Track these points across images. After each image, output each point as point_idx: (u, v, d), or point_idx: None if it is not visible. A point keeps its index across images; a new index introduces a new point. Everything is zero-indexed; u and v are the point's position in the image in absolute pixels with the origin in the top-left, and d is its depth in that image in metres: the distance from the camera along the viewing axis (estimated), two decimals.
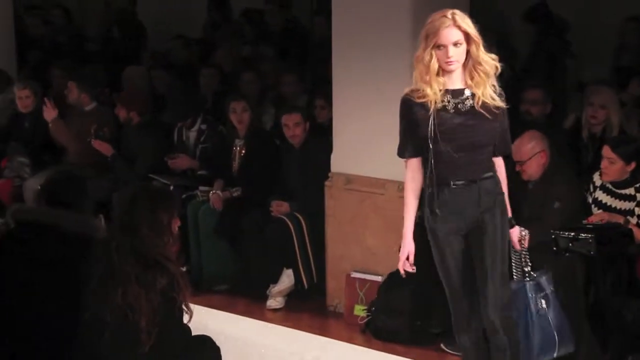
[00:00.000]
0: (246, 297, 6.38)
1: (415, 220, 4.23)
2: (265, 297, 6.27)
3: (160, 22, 10.30)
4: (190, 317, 4.01)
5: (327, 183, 6.13)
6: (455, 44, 3.99)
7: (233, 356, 4.57)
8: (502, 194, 4.22)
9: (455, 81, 4.08)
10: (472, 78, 4.06)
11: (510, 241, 4.32)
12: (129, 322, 3.84)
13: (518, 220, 4.49)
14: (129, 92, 7.37)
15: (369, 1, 5.77)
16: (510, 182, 4.39)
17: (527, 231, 4.37)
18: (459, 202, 4.13)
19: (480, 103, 4.04)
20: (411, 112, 4.09)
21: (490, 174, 4.17)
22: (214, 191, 6.60)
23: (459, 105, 4.05)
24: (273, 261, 6.30)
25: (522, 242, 4.38)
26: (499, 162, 4.26)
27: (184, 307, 3.97)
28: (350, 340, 5.66)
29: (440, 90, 4.03)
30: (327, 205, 6.13)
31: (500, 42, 8.51)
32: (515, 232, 4.35)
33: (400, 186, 5.82)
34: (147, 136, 7.12)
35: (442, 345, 5.42)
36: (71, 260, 4.17)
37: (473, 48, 4.03)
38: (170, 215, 4.03)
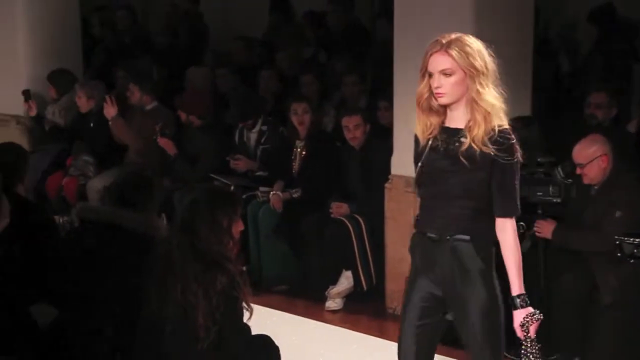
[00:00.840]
0: (305, 298, 6.40)
1: None
2: (324, 299, 6.28)
3: (223, 22, 10.38)
4: (251, 315, 4.02)
5: (387, 185, 6.11)
6: (444, 73, 3.47)
7: (292, 356, 4.59)
8: (487, 267, 3.56)
9: (457, 119, 3.56)
10: (470, 118, 3.52)
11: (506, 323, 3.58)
12: (188, 320, 3.88)
13: (580, 225, 4.30)
14: (189, 96, 7.42)
15: (431, 2, 5.75)
16: (573, 187, 4.28)
17: (536, 315, 3.51)
18: (433, 259, 3.62)
19: (466, 147, 3.48)
20: (416, 145, 3.67)
21: (467, 237, 3.53)
22: (274, 192, 6.63)
23: (451, 147, 3.54)
24: (332, 263, 6.30)
25: (526, 327, 3.50)
26: (503, 227, 3.55)
27: (244, 305, 3.99)
28: None
29: (433, 127, 3.56)
30: (387, 208, 6.11)
31: (566, 43, 8.48)
32: (518, 316, 3.53)
33: None
34: (208, 137, 7.17)
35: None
36: (133, 259, 4.23)
37: (469, 82, 3.48)
38: (232, 217, 4.04)
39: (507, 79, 5.84)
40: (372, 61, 8.28)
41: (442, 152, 3.55)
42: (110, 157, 7.64)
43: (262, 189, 6.76)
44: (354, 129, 6.39)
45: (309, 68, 8.07)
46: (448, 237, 3.55)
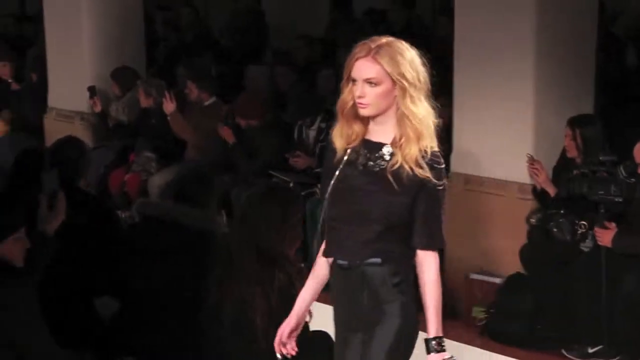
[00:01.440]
0: None
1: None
2: None
3: (283, 21, 10.43)
4: (311, 316, 4.02)
5: (446, 183, 6.06)
6: (369, 82, 3.06)
7: None
8: (403, 295, 3.17)
9: (382, 133, 3.14)
10: (400, 134, 3.09)
11: None
12: (246, 318, 3.88)
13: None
14: (243, 102, 7.42)
15: (492, 0, 5.70)
16: (638, 186, 4.17)
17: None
18: (343, 288, 3.23)
19: (395, 167, 3.07)
20: (331, 155, 3.23)
21: (377, 260, 3.13)
22: None
23: (370, 164, 3.12)
24: None
25: None
26: (424, 260, 3.16)
27: None
28: (468, 342, 5.60)
29: (354, 138, 3.16)
30: (446, 207, 6.06)
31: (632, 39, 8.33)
32: None
33: (520, 187, 5.76)
34: (268, 135, 7.20)
35: (563, 351, 5.30)
36: (192, 255, 4.27)
37: (399, 94, 3.07)
38: (291, 214, 4.04)
39: (570, 76, 5.83)
40: (432, 59, 8.23)
41: (361, 168, 3.13)
42: (171, 153, 7.73)
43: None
44: None
45: None
46: (358, 262, 3.15)
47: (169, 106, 7.52)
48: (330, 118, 7.08)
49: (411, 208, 3.12)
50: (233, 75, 8.72)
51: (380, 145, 3.13)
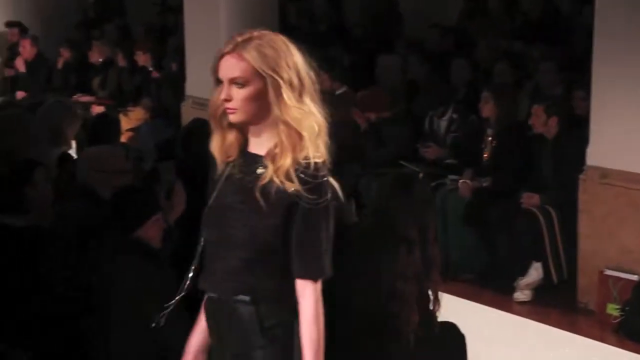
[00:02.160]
0: (493, 288, 6.31)
1: None
2: (512, 289, 6.18)
3: (417, 10, 10.38)
4: (439, 304, 3.99)
5: (581, 176, 5.94)
6: (236, 82, 2.59)
7: (477, 345, 4.54)
8: (279, 341, 2.65)
9: (260, 143, 2.67)
10: (276, 144, 2.61)
11: None
12: (375, 306, 3.88)
13: None
14: (374, 95, 7.42)
15: None
16: None
17: None
18: (215, 327, 2.78)
19: (264, 182, 2.59)
20: (214, 169, 2.78)
21: (246, 297, 2.63)
22: (463, 180, 6.58)
23: (247, 179, 2.64)
24: (522, 253, 6.19)
25: None
26: (302, 291, 2.65)
27: (434, 293, 3.97)
28: (601, 339, 5.48)
29: (232, 148, 2.71)
30: (581, 200, 5.93)
31: None
32: None
33: None
34: (399, 125, 7.21)
35: None
36: None
37: (272, 95, 2.58)
38: (424, 204, 4.02)
39: None
40: (572, 49, 8.04)
41: (237, 185, 2.66)
42: None
43: (451, 177, 6.73)
44: (545, 118, 6.24)
45: (504, 56, 7.94)
46: (226, 298, 2.69)
47: None
48: (462, 109, 7.08)
49: (284, 231, 2.61)
50: (365, 65, 8.74)
51: (257, 158, 2.65)
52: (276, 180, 2.57)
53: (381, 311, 3.87)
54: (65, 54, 10.35)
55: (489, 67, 7.71)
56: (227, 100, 2.61)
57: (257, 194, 2.58)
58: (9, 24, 11.00)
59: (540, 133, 6.32)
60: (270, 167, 2.58)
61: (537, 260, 6.13)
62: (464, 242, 6.54)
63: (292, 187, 2.57)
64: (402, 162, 6.92)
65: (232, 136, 2.69)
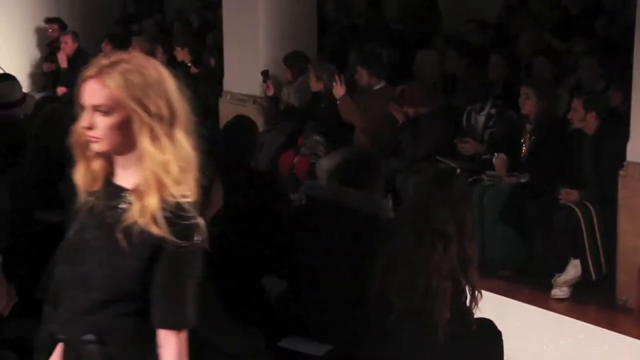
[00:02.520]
0: (530, 285, 6.27)
1: None
2: (550, 286, 6.13)
3: (456, 5, 10.33)
4: (477, 300, 3.97)
5: (621, 172, 5.87)
6: (98, 110, 2.40)
7: (514, 342, 4.53)
8: None
9: (128, 175, 2.47)
10: (141, 179, 2.41)
11: None
12: (410, 302, 3.87)
13: None
14: (410, 92, 7.40)
15: None
16: None
17: None
18: None
19: (127, 221, 2.39)
20: (77, 199, 2.57)
21: (93, 337, 2.45)
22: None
23: (108, 214, 2.45)
24: (560, 250, 6.14)
25: None
26: (164, 342, 2.44)
27: (470, 291, 3.95)
28: (638, 337, 5.41)
29: (96, 178, 2.50)
30: (621, 196, 5.87)
31: None
32: None
33: None
34: (436, 120, 7.18)
35: None
36: (357, 237, 4.31)
37: (137, 127, 2.39)
38: (461, 200, 4.00)
39: None
40: (613, 44, 7.96)
41: (99, 219, 2.47)
42: (339, 137, 7.82)
43: (488, 172, 6.68)
44: (583, 113, 6.18)
45: (544, 51, 7.88)
46: (74, 338, 2.49)
47: (339, 90, 7.61)
48: (500, 104, 7.04)
49: (144, 274, 2.41)
50: (403, 60, 8.72)
51: (121, 191, 2.46)
52: (140, 220, 2.37)
53: (416, 306, 3.86)
54: (107, 48, 10.44)
55: (530, 63, 7.66)
56: (89, 128, 2.41)
57: (119, 234, 2.38)
58: (49, 20, 11.12)
59: (580, 128, 6.26)
60: (136, 206, 2.39)
61: (576, 257, 6.08)
62: (501, 238, 6.49)
63: (156, 229, 2.37)
64: (439, 157, 6.90)
65: (97, 165, 2.48)
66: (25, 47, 11.24)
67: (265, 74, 8.34)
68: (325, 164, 7.41)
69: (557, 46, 8.30)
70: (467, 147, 6.98)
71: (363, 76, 7.75)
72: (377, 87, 7.72)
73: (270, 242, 4.69)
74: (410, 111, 7.27)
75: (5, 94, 6.50)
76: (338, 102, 7.65)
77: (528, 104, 6.54)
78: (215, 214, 4.47)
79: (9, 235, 4.72)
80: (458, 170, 6.55)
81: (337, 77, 7.63)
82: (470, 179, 6.59)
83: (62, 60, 10.50)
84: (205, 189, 4.46)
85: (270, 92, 8.36)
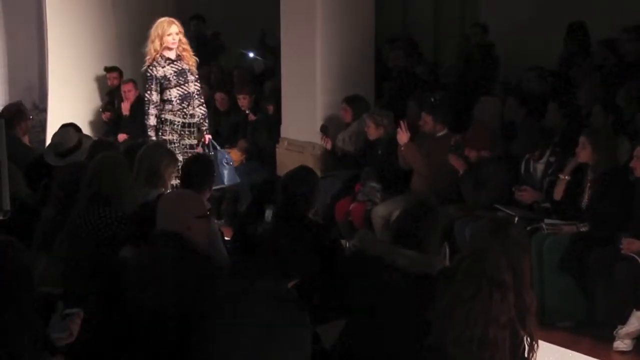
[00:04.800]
0: (591, 336, 6.16)
1: None
2: (612, 338, 5.99)
3: (515, 52, 10.29)
4: (535, 352, 3.90)
5: None
6: None
7: None
8: None
9: None
10: None
11: None
12: (467, 353, 3.77)
13: None
14: (474, 133, 7.39)
15: None
16: None
17: None
18: None
19: None
20: None
21: None
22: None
23: None
24: (621, 301, 6.00)
25: None
26: None
27: (528, 341, 3.88)
28: None
29: None
30: None
31: None
32: None
33: None
34: (496, 168, 7.14)
35: None
36: (411, 291, 4.24)
37: None
38: (518, 246, 3.96)
39: None
40: None
41: None
42: (396, 184, 7.81)
43: (547, 221, 6.60)
44: None
45: (599, 99, 7.80)
46: None
47: (403, 136, 7.65)
48: (559, 152, 6.96)
49: None
50: (463, 107, 8.70)
51: None
52: None
53: (473, 357, 3.79)
54: None
55: (590, 111, 7.58)
56: None
57: None
58: (108, 69, 11.34)
59: None
60: None
61: (638, 309, 5.94)
62: (561, 289, 6.38)
63: None
64: (497, 205, 6.83)
65: None
66: (86, 95, 11.48)
67: (323, 129, 8.44)
68: (382, 210, 7.39)
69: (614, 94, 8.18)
70: (526, 195, 6.91)
71: (428, 122, 7.76)
72: (440, 134, 7.72)
73: (322, 289, 4.67)
74: (472, 155, 7.24)
75: (59, 144, 6.65)
76: (402, 149, 7.66)
77: (584, 153, 6.49)
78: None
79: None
80: (516, 219, 6.49)
81: (401, 124, 7.66)
82: (529, 228, 6.51)
83: (125, 109, 10.72)
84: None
85: (328, 147, 8.45)
